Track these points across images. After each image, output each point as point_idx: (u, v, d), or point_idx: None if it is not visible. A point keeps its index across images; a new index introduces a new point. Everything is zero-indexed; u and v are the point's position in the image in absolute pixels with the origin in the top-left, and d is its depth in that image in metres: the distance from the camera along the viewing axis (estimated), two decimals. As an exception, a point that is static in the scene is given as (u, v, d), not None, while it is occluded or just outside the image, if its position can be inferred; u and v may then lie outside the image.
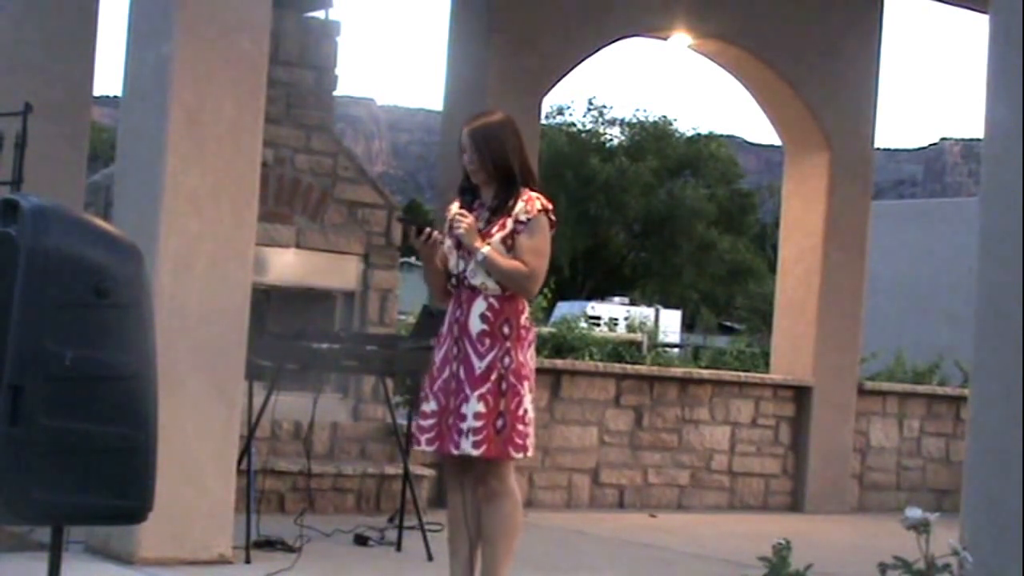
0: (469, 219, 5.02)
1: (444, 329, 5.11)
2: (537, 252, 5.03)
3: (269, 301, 8.26)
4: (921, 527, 3.43)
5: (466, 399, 4.94)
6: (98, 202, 7.97)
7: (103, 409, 3.60)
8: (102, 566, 5.82)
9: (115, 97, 7.22)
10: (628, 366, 10.75)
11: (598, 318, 28.30)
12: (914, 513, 3.45)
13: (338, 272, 8.51)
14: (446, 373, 5.03)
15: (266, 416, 6.90)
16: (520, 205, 5.03)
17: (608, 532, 8.46)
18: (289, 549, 6.46)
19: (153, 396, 3.70)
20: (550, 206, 5.09)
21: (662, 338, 27.25)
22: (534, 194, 5.07)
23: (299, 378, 7.32)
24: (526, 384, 5.02)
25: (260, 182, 6.27)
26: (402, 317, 10.81)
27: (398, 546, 6.94)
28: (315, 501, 7.80)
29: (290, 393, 7.20)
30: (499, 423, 4.92)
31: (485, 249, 4.98)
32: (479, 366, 4.95)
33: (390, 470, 8.18)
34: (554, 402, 9.53)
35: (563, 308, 28.09)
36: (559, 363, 10.06)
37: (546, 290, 18.12)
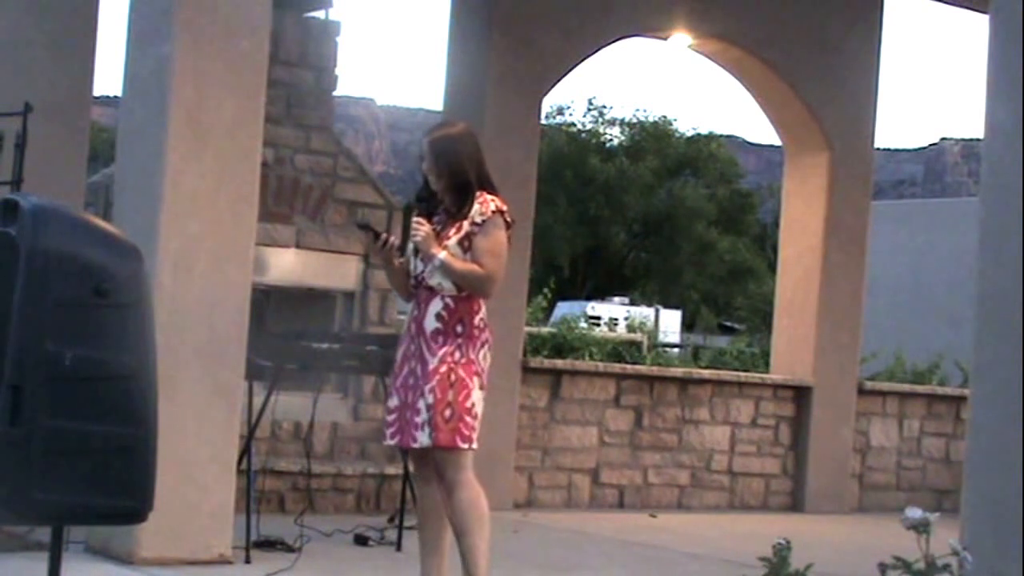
0: (426, 227, 5.19)
1: (404, 328, 5.30)
2: (492, 253, 5.18)
3: (269, 301, 8.26)
4: (921, 527, 3.44)
5: (421, 393, 5.11)
6: (98, 202, 7.97)
7: (103, 409, 3.60)
8: (102, 566, 5.82)
9: (115, 97, 7.22)
10: (628, 366, 10.75)
11: (598, 318, 28.25)
12: (914, 513, 3.45)
13: (338, 272, 8.51)
14: (405, 370, 5.22)
15: (266, 416, 6.90)
16: (475, 207, 5.19)
17: (608, 532, 8.46)
18: (289, 549, 6.46)
19: (153, 396, 3.70)
20: (504, 207, 5.25)
21: (662, 338, 27.23)
22: (489, 196, 5.22)
23: (299, 378, 7.32)
24: (475, 380, 5.13)
25: (260, 182, 6.27)
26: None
27: (398, 546, 6.95)
28: (315, 501, 7.80)
29: (290, 393, 7.20)
30: (447, 412, 5.06)
31: (442, 255, 5.14)
32: (432, 362, 5.11)
33: (390, 470, 8.18)
34: (554, 402, 9.52)
35: (563, 308, 28.06)
36: (559, 363, 10.06)
37: (546, 290, 18.15)
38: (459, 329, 5.14)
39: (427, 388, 5.08)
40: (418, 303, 5.23)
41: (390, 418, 5.27)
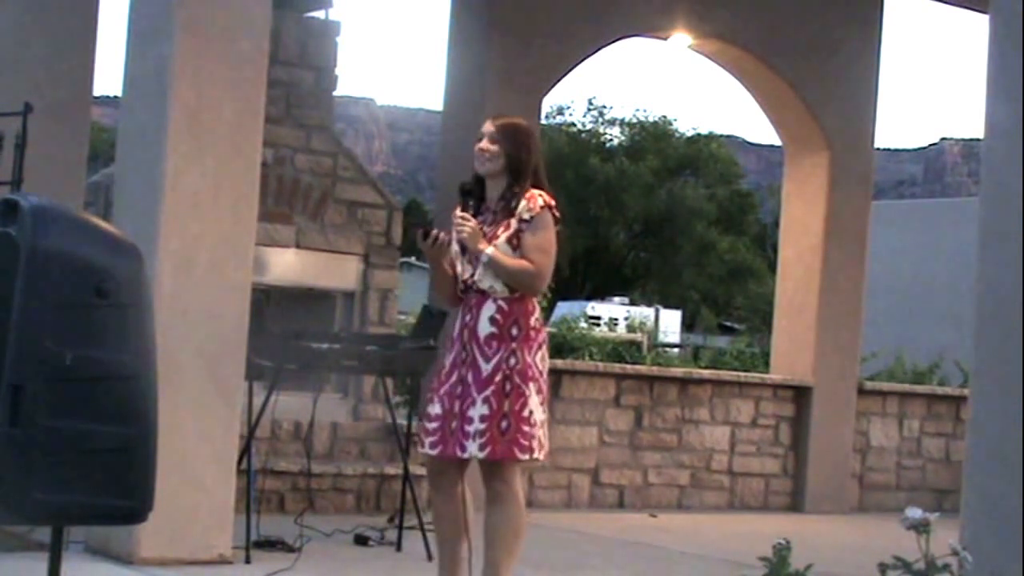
0: (472, 222, 5.04)
1: (455, 334, 5.11)
2: (542, 249, 5.04)
3: (269, 301, 8.26)
4: (921, 527, 3.43)
5: (473, 402, 4.94)
6: (98, 202, 7.98)
7: (103, 409, 3.60)
8: (102, 566, 5.82)
9: (115, 97, 7.22)
10: (628, 366, 10.75)
11: (598, 318, 28.30)
12: (914, 513, 3.45)
13: (338, 272, 8.51)
14: (454, 377, 5.03)
15: (266, 416, 6.90)
16: (523, 204, 5.05)
17: (608, 532, 8.46)
18: (289, 549, 6.46)
19: (153, 396, 3.70)
20: (553, 203, 5.10)
21: (662, 338, 27.27)
22: (536, 192, 5.09)
23: (299, 378, 7.32)
24: (532, 385, 4.98)
25: (260, 182, 6.27)
26: (402, 317, 10.82)
27: (398, 546, 6.95)
28: (315, 501, 7.80)
29: (290, 393, 7.20)
30: (503, 424, 4.90)
31: (489, 250, 5.00)
32: (485, 369, 4.96)
33: (390, 470, 8.18)
34: (554, 402, 9.51)
35: (563, 308, 28.09)
36: (559, 363, 10.05)
37: (546, 290, 18.17)
38: (514, 332, 4.98)
39: (480, 398, 4.92)
40: (468, 308, 5.06)
41: (431, 426, 5.03)
